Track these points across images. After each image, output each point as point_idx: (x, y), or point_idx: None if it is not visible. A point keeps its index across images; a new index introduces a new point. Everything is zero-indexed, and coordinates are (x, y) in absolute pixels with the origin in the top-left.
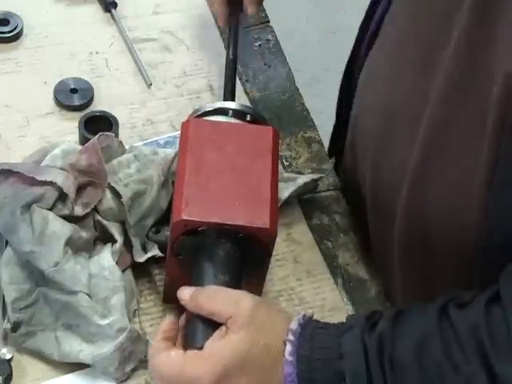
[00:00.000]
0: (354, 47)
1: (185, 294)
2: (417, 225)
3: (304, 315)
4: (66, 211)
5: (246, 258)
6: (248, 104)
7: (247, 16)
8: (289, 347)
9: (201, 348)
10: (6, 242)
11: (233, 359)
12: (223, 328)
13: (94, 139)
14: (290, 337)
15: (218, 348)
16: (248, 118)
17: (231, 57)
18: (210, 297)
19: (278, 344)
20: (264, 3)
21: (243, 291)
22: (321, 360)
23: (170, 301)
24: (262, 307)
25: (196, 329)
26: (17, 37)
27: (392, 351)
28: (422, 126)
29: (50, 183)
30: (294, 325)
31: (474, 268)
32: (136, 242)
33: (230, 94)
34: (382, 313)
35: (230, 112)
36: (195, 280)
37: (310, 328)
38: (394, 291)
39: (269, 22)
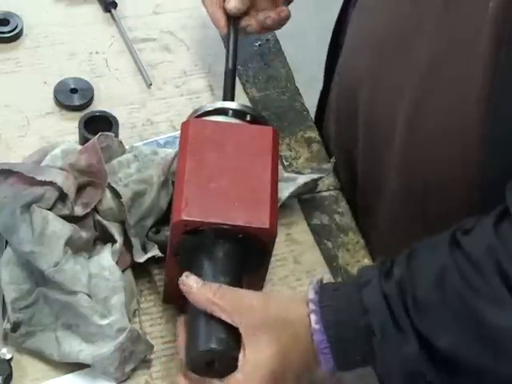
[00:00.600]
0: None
1: (191, 280)
2: (415, 156)
3: (316, 281)
4: (65, 211)
5: (245, 258)
6: (248, 104)
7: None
8: (313, 317)
9: (206, 350)
10: (6, 242)
11: (271, 366)
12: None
13: (94, 139)
14: (312, 307)
15: (251, 367)
16: (248, 117)
17: (230, 67)
18: (221, 294)
19: (303, 325)
20: None
21: (249, 290)
22: (347, 320)
23: (170, 301)
24: (273, 301)
25: (199, 330)
26: (17, 37)
27: (413, 293)
28: (417, 55)
29: (50, 183)
30: (311, 294)
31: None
32: (136, 242)
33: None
34: (391, 259)
35: (230, 112)
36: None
37: (327, 293)
38: (379, 245)
39: None
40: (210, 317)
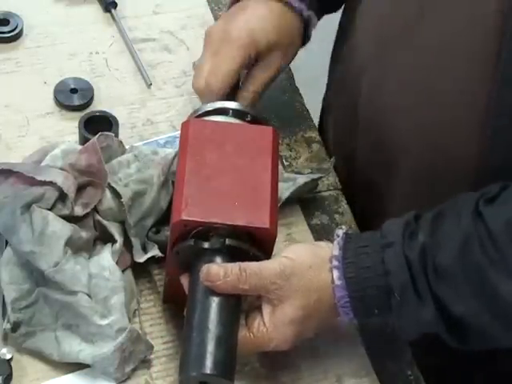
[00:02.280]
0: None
1: (214, 276)
2: (421, 145)
3: (341, 237)
4: (65, 211)
5: (245, 258)
6: None
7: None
8: (336, 273)
9: (197, 375)
10: (6, 242)
11: (295, 324)
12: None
13: (94, 139)
14: (335, 263)
15: (278, 321)
16: (248, 117)
17: None
18: (245, 279)
19: (325, 290)
20: None
21: (269, 266)
22: (368, 279)
23: (170, 301)
24: (295, 274)
25: (192, 351)
26: (17, 37)
27: (434, 260)
28: (420, 41)
29: (50, 183)
30: (335, 251)
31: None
32: (136, 242)
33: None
34: (416, 219)
35: (230, 112)
36: (195, 280)
37: (351, 250)
38: None
39: None
40: (204, 337)
